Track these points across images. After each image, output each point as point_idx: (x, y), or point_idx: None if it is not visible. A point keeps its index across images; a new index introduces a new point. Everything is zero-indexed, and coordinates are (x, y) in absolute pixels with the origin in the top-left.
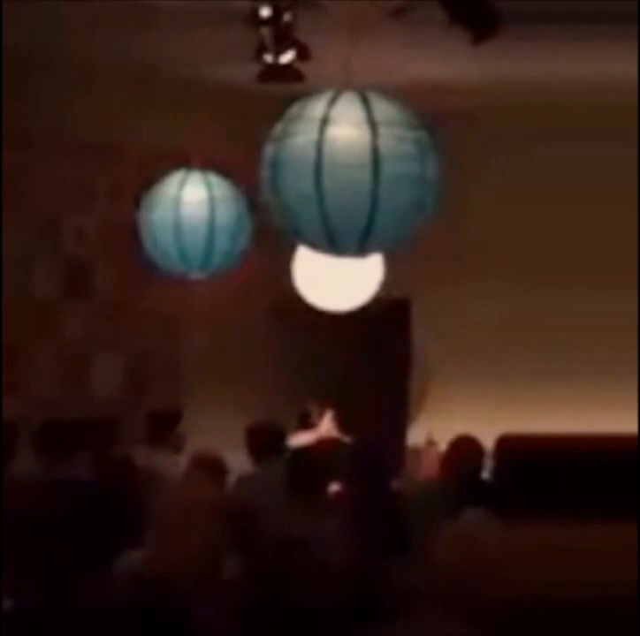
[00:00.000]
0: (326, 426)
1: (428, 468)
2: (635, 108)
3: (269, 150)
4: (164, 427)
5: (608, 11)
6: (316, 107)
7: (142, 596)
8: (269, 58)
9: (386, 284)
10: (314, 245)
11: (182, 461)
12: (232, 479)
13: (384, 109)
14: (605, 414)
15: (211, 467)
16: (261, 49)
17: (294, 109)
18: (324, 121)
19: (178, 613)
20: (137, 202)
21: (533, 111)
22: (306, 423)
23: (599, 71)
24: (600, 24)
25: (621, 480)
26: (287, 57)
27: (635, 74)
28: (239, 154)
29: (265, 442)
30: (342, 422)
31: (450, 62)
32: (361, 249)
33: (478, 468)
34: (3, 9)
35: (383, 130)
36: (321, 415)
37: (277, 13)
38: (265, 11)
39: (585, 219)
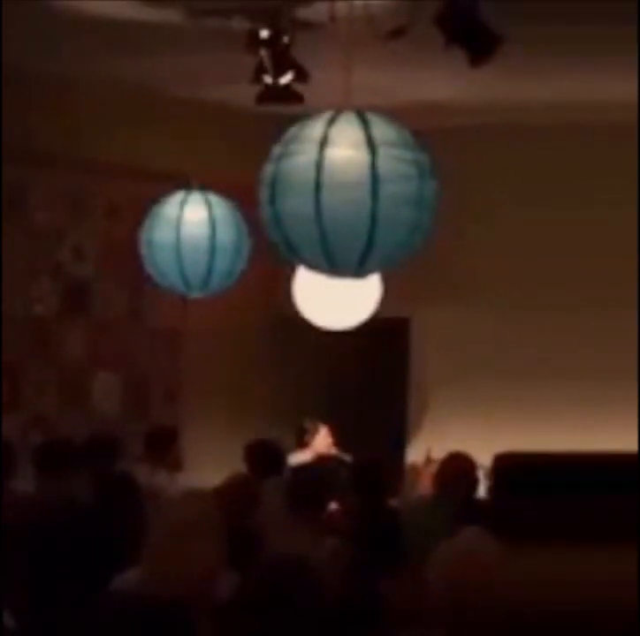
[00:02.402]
0: (323, 443)
1: (426, 486)
2: (634, 127)
3: (268, 170)
4: (163, 446)
5: (607, 32)
6: (315, 128)
7: (140, 614)
8: (268, 80)
9: (384, 303)
10: (312, 265)
11: (181, 479)
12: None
13: (382, 129)
14: (604, 432)
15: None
16: (260, 71)
17: (293, 130)
18: (323, 142)
19: (176, 631)
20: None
21: (533, 131)
22: (301, 440)
23: (599, 91)
24: (600, 44)
25: (621, 498)
26: (286, 79)
27: (634, 94)
28: (238, 174)
29: (264, 459)
30: (340, 440)
31: (449, 82)
32: (359, 269)
33: (472, 486)
34: (4, 26)
35: (381, 150)
36: (315, 432)
37: (275, 35)
38: (264, 33)
39: (584, 240)
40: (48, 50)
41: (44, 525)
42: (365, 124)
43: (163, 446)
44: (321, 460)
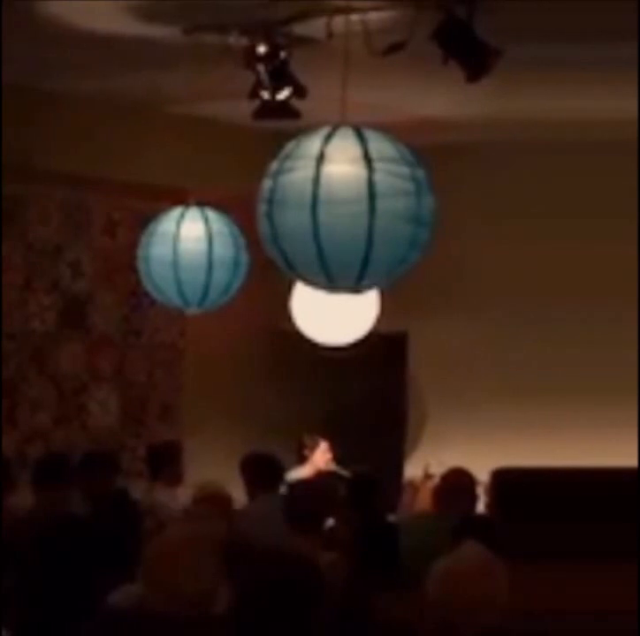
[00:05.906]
0: (321, 458)
1: (425, 501)
2: (634, 144)
3: (265, 186)
4: (162, 461)
5: (607, 48)
6: (313, 143)
7: (138, 629)
8: (265, 95)
9: (383, 318)
10: (310, 281)
11: (180, 494)
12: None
13: (379, 145)
14: (604, 447)
15: (216, 501)
16: (257, 87)
17: (290, 146)
18: (321, 157)
19: None
20: (135, 237)
21: (531, 147)
22: (300, 455)
23: (599, 107)
24: (599, 60)
25: (620, 512)
26: (283, 94)
27: (635, 110)
28: (236, 189)
29: (260, 473)
30: (339, 454)
31: (446, 98)
32: (357, 285)
33: (472, 501)
34: (4, 44)
35: (379, 166)
36: (314, 447)
37: (273, 51)
38: (261, 49)
39: (584, 255)
40: (45, 67)
41: (41, 540)
42: (362, 140)
43: (164, 462)
44: (318, 475)
